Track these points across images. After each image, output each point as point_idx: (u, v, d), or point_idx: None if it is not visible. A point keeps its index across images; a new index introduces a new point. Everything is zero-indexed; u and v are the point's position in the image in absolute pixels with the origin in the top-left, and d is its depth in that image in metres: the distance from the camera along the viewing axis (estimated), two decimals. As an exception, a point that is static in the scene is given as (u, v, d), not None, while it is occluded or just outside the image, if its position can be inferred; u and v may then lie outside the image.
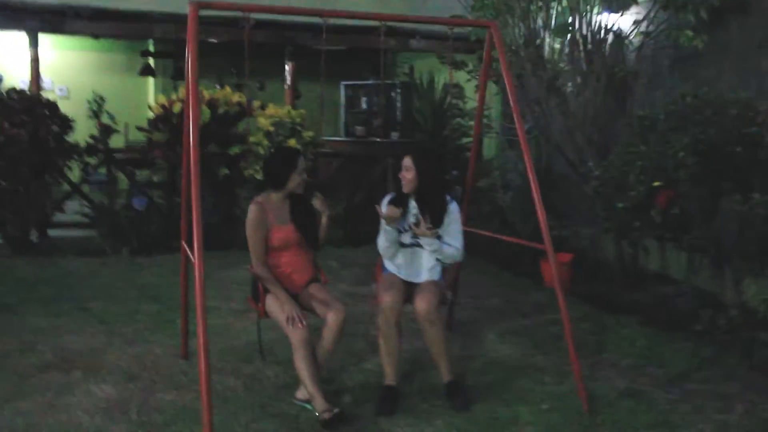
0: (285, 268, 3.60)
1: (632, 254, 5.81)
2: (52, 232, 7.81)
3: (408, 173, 3.68)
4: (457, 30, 6.35)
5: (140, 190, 7.83)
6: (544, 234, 3.64)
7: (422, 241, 3.67)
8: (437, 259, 3.73)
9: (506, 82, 3.88)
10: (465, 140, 9.19)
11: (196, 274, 2.97)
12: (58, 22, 7.78)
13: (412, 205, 3.73)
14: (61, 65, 11.32)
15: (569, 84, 6.04)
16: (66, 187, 7.87)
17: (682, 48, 5.50)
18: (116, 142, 8.88)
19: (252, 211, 3.55)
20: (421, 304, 3.49)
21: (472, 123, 8.91)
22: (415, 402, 3.57)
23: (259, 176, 7.24)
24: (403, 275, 3.74)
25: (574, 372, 3.51)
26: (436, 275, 3.74)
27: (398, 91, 11.45)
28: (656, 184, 4.58)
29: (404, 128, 10.41)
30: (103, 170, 8.00)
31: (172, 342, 4.42)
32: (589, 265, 6.42)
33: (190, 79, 3.31)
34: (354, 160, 9.42)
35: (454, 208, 3.74)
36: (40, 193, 7.05)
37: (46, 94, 10.60)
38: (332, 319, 3.44)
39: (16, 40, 9.25)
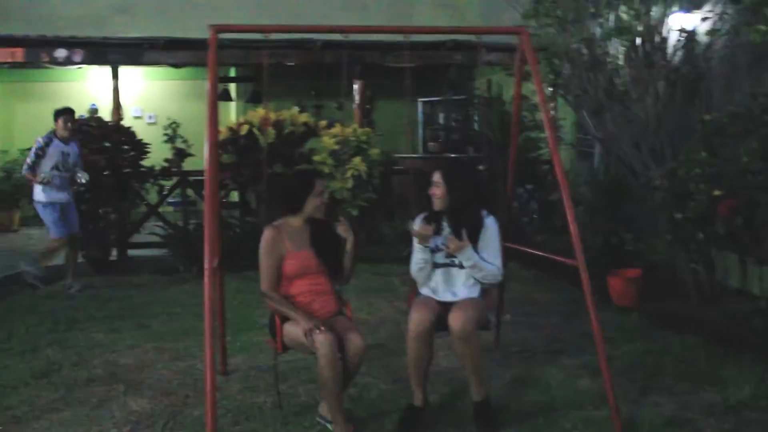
0: (302, 297, 3.41)
1: (706, 269, 5.39)
2: (133, 252, 8.20)
3: (437, 189, 3.55)
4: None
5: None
6: (576, 247, 3.40)
7: (460, 257, 3.52)
8: (475, 279, 3.58)
9: (537, 90, 3.70)
10: (539, 153, 8.94)
11: (206, 291, 2.99)
12: (136, 54, 8.24)
13: (445, 223, 3.60)
14: (150, 94, 12.00)
15: (631, 90, 5.71)
16: (144, 208, 8.25)
17: (761, 46, 5.07)
18: (197, 165, 9.25)
19: (265, 235, 3.43)
20: (455, 320, 3.33)
21: (543, 135, 8.66)
22: (441, 423, 3.44)
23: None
24: (439, 297, 3.59)
25: (608, 396, 3.24)
26: (474, 293, 3.58)
27: (475, 106, 11.31)
28: (717, 193, 4.23)
29: (479, 143, 10.24)
30: (178, 191, 8.32)
31: (217, 359, 4.48)
32: (664, 281, 6.02)
33: (209, 102, 3.37)
34: (427, 177, 9.32)
35: (490, 223, 3.58)
36: (118, 214, 7.42)
37: (136, 122, 11.31)
38: (351, 348, 3.27)
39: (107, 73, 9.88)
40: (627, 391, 3.76)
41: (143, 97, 12.00)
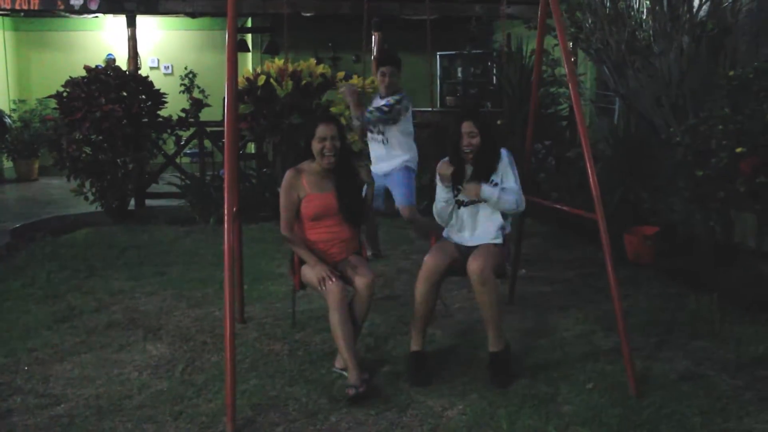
0: (323, 245, 3.51)
1: (724, 228, 5.34)
2: (151, 202, 8.27)
3: (473, 138, 3.55)
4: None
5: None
6: (596, 200, 3.38)
7: (483, 197, 3.55)
8: (501, 223, 3.63)
9: (560, 42, 3.63)
10: (559, 108, 8.82)
11: (225, 241, 3.01)
12: (152, 2, 8.14)
13: (468, 167, 3.65)
14: (166, 45, 11.92)
15: (654, 44, 5.58)
16: (161, 158, 8.27)
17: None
18: (214, 115, 9.24)
19: (286, 175, 3.53)
20: (475, 263, 3.39)
21: (563, 90, 8.54)
22: (455, 373, 3.48)
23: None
24: (462, 239, 3.66)
25: (623, 351, 3.26)
26: (497, 238, 3.63)
27: (494, 60, 11.15)
28: (739, 150, 4.16)
29: (498, 98, 10.12)
30: (195, 142, 8.32)
31: (234, 307, 4.54)
32: (680, 239, 5.99)
33: (228, 45, 3.32)
34: (444, 131, 9.25)
35: (504, 153, 3.64)
36: (136, 165, 7.45)
37: (153, 72, 11.28)
38: (359, 283, 3.39)
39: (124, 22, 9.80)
40: (641, 347, 3.78)
41: (159, 47, 11.92)
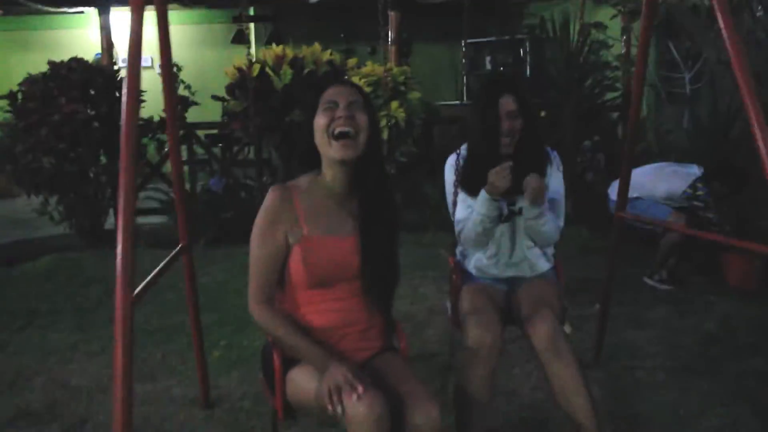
0: (327, 335, 1.89)
1: None
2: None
3: (515, 120, 2.39)
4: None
5: (222, 170, 6.83)
6: None
7: (533, 202, 2.37)
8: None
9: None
10: (611, 96, 7.42)
11: (118, 280, 1.75)
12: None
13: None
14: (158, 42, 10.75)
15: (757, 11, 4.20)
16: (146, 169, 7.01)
17: None
18: (206, 115, 8.00)
19: (267, 198, 1.90)
20: (540, 327, 2.21)
21: (617, 74, 7.16)
22: None
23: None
24: (499, 270, 2.54)
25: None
26: (546, 260, 2.58)
27: (527, 46, 9.88)
28: None
29: (533, 87, 8.80)
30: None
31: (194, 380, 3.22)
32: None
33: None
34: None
35: (555, 158, 2.55)
36: (109, 175, 6.20)
37: (147, 72, 10.04)
38: (421, 420, 1.75)
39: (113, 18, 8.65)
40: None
41: (155, 45, 10.73)
